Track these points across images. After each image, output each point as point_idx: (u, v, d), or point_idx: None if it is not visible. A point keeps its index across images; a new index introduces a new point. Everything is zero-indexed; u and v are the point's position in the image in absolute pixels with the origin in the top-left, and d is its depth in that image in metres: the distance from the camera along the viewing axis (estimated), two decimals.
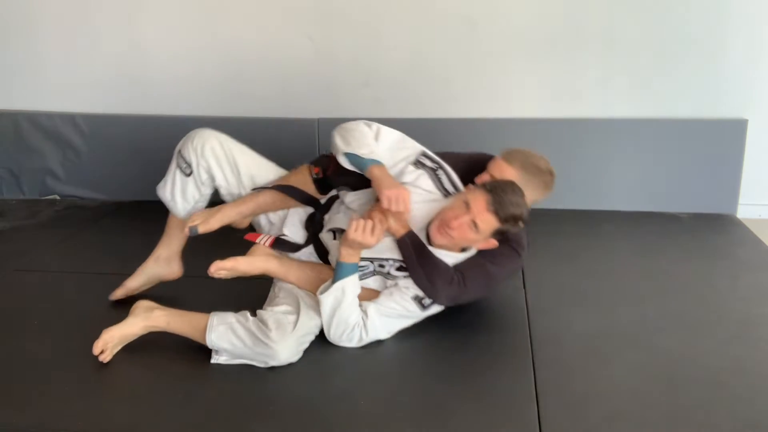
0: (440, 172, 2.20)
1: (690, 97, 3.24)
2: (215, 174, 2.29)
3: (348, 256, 2.05)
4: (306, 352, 2.06)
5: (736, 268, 2.68)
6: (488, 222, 2.00)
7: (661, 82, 3.24)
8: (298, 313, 2.04)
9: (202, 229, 2.19)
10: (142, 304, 2.16)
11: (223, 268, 2.08)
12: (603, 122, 3.28)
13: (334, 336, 2.07)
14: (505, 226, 2.03)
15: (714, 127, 3.22)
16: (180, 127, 3.44)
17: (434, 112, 3.36)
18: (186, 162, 2.28)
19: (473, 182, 2.19)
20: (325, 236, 2.22)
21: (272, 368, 1.99)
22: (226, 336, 1.99)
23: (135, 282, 2.41)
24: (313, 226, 2.28)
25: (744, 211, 3.30)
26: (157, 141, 3.48)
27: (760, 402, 1.84)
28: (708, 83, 3.21)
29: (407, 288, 2.10)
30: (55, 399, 1.88)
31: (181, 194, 2.32)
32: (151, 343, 2.14)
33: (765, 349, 2.10)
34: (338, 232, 2.20)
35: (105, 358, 2.06)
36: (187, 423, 1.78)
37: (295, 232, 2.30)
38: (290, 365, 2.00)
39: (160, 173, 3.49)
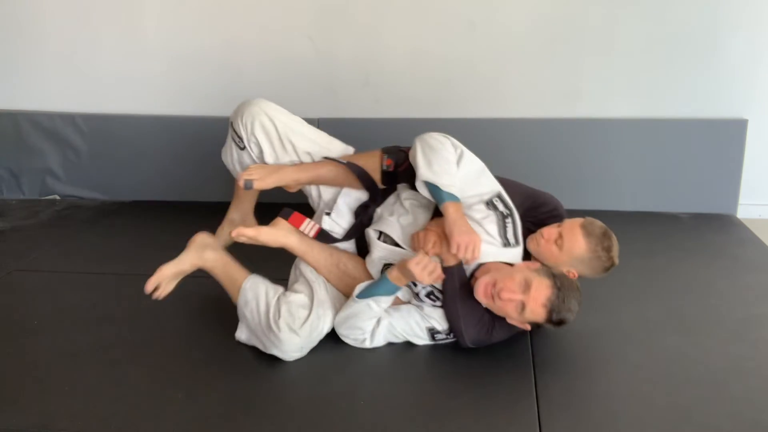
0: (509, 221, 2.05)
1: (690, 97, 3.24)
2: (265, 150, 2.25)
3: (397, 279, 2.01)
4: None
5: (736, 268, 2.68)
6: (537, 314, 1.90)
7: (661, 82, 3.24)
8: (310, 308, 2.05)
9: (257, 186, 2.19)
10: (198, 239, 2.19)
11: (244, 234, 2.09)
12: (603, 122, 3.28)
13: (342, 332, 2.08)
14: (547, 324, 1.95)
15: (714, 127, 3.22)
16: (180, 127, 3.47)
17: (434, 112, 3.36)
18: (238, 136, 2.26)
19: (529, 221, 2.15)
20: (371, 234, 2.18)
21: (272, 367, 1.99)
22: (249, 306, 2.05)
23: None
24: (363, 216, 2.23)
25: (744, 211, 3.30)
26: (157, 141, 3.51)
27: (760, 402, 1.84)
28: (708, 83, 3.21)
29: (428, 317, 2.07)
30: (55, 399, 1.88)
31: (239, 165, 2.33)
32: (151, 343, 2.15)
33: (765, 349, 2.10)
34: (384, 235, 2.15)
35: (159, 294, 2.12)
36: (187, 423, 1.78)
37: (342, 216, 2.25)
38: (291, 364, 2.00)
39: (160, 173, 3.52)
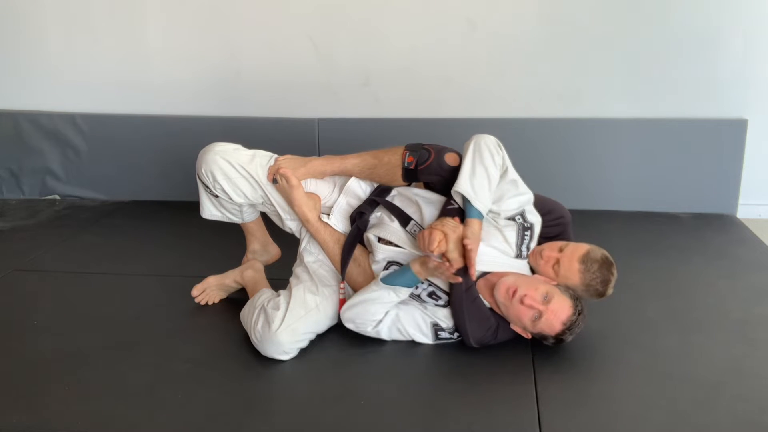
0: (527, 234, 2.11)
1: (690, 97, 3.24)
2: (232, 196, 2.22)
3: (419, 272, 2.00)
4: (305, 351, 2.07)
5: (736, 268, 2.68)
6: (552, 328, 1.95)
7: (661, 82, 3.24)
8: (286, 309, 2.06)
9: (289, 176, 2.16)
10: (248, 263, 2.41)
11: (287, 177, 2.12)
12: (603, 122, 3.28)
13: (350, 316, 2.08)
14: (549, 340, 2.00)
15: (714, 127, 3.22)
16: (180, 127, 3.47)
17: (434, 112, 3.36)
18: (206, 185, 2.25)
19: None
20: (371, 237, 2.16)
21: (272, 367, 2.00)
22: (245, 311, 2.19)
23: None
24: (358, 221, 2.21)
25: (744, 211, 3.30)
26: (157, 141, 3.51)
27: (760, 402, 1.84)
28: (708, 83, 3.21)
29: (434, 313, 2.08)
30: (55, 399, 1.88)
31: (225, 210, 2.33)
32: (150, 343, 2.15)
33: (765, 349, 2.10)
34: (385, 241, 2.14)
35: (200, 300, 2.36)
36: (187, 423, 1.78)
37: (340, 219, 2.25)
38: (290, 364, 2.01)
39: (160, 173, 3.53)
